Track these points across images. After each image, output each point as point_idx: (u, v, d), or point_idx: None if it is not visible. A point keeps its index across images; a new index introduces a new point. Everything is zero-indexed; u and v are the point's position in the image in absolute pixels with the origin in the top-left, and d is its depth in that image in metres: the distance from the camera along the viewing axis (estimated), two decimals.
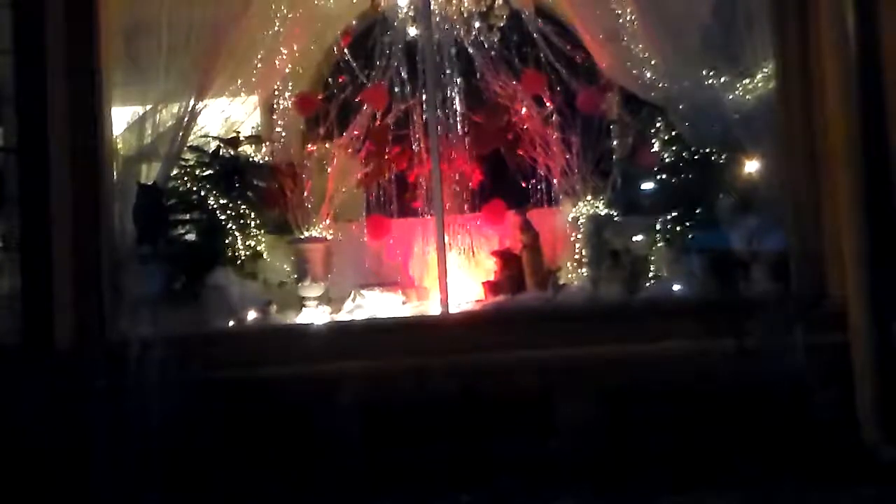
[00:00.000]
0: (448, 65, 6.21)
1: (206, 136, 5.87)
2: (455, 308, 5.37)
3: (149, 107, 5.43)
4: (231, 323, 5.34)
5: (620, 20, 5.52)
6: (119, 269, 5.07)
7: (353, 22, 6.64)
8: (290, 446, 4.61)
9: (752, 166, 5.12)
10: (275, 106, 6.39)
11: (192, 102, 5.47)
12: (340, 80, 6.30)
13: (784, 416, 4.39)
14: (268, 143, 6.23)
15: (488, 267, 6.03)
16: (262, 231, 5.89)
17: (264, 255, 5.91)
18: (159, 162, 5.44)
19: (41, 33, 4.89)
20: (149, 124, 5.43)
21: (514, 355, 4.76)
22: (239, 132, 6.02)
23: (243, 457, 4.58)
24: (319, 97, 6.40)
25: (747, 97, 5.20)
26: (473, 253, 6.16)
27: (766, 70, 5.12)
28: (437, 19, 6.12)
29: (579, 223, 5.83)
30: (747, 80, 5.20)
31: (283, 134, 6.37)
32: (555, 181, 6.04)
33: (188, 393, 4.51)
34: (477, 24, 6.29)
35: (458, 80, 6.27)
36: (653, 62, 5.46)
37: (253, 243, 5.82)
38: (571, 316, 5.07)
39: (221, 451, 4.56)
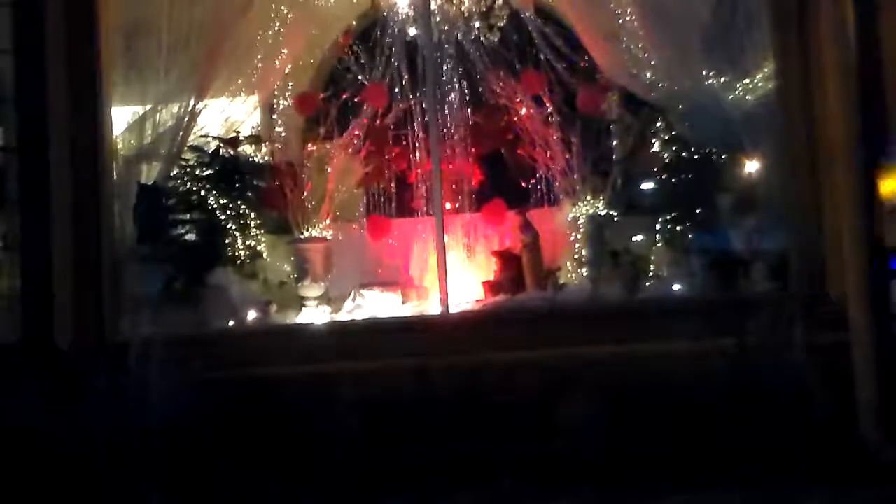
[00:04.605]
0: (448, 65, 6.22)
1: (206, 136, 5.87)
2: (455, 308, 5.37)
3: (149, 107, 5.44)
4: (231, 323, 5.34)
5: (620, 20, 5.52)
6: (119, 269, 5.07)
7: (353, 22, 6.64)
8: (289, 446, 4.61)
9: (752, 166, 5.12)
10: (275, 106, 6.40)
11: (192, 102, 5.47)
12: (343, 95, 6.29)
13: (784, 415, 4.39)
14: (268, 143, 6.23)
15: (488, 267, 6.03)
16: (262, 231, 5.89)
17: (264, 255, 5.91)
18: (159, 162, 5.44)
19: (41, 33, 4.89)
20: (149, 124, 5.43)
21: (514, 355, 4.76)
22: (239, 132, 6.02)
23: (243, 457, 4.58)
24: (320, 97, 6.41)
25: (747, 97, 5.20)
26: (473, 252, 6.17)
27: (766, 70, 5.12)
28: (437, 19, 6.13)
29: (579, 223, 5.82)
30: (747, 80, 5.20)
31: (283, 134, 6.38)
32: (555, 181, 6.04)
33: (188, 393, 4.51)
34: (477, 24, 6.29)
35: (458, 80, 6.27)
36: (653, 62, 5.45)
37: (253, 243, 5.82)
38: (571, 316, 5.07)
39: (222, 451, 4.56)
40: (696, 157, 5.33)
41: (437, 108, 5.82)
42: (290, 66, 6.21)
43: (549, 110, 6.11)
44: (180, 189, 5.62)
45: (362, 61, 6.37)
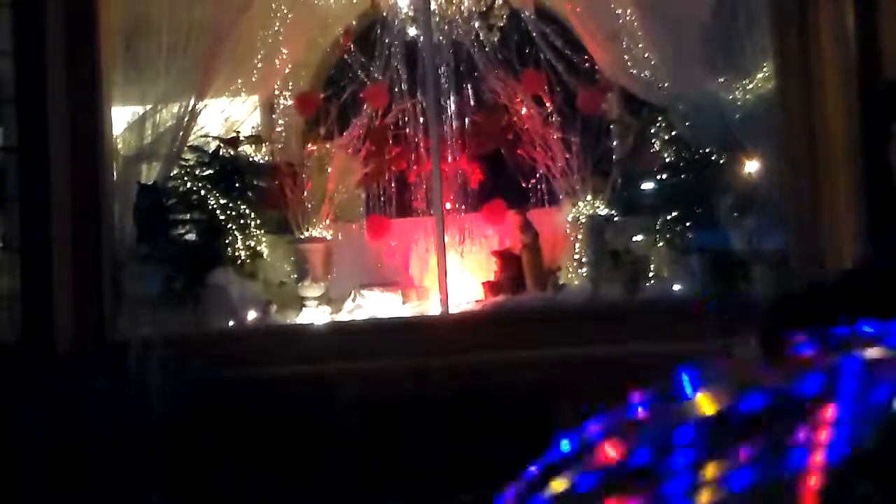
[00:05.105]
0: (448, 64, 6.22)
1: (206, 136, 5.87)
2: (455, 308, 5.37)
3: (149, 107, 5.44)
4: (231, 323, 5.34)
5: (620, 20, 5.52)
6: (119, 269, 5.07)
7: (353, 22, 6.64)
8: (289, 446, 4.61)
9: (752, 166, 5.11)
10: (275, 106, 6.39)
11: (192, 102, 5.47)
12: (343, 95, 6.29)
13: None
14: (268, 143, 6.23)
15: (488, 267, 6.02)
16: (262, 231, 5.89)
17: (264, 255, 5.91)
18: (159, 162, 5.44)
19: (41, 33, 4.89)
20: (149, 124, 5.43)
21: (514, 355, 4.76)
22: (239, 132, 6.01)
23: (243, 457, 4.58)
24: (320, 97, 6.40)
25: (747, 97, 5.20)
26: (472, 252, 6.16)
27: (766, 70, 5.12)
28: (437, 19, 6.12)
29: (579, 223, 5.82)
30: (747, 80, 5.19)
31: (283, 134, 6.37)
32: (555, 181, 6.03)
33: (188, 393, 4.51)
34: (477, 24, 6.28)
35: (458, 80, 6.27)
36: (653, 62, 5.45)
37: (253, 243, 5.82)
38: (571, 316, 5.07)
39: (222, 451, 4.56)
40: (696, 157, 5.33)
41: (437, 108, 5.81)
42: (290, 66, 6.21)
43: (549, 110, 6.11)
44: (180, 189, 5.62)
45: (362, 61, 6.35)
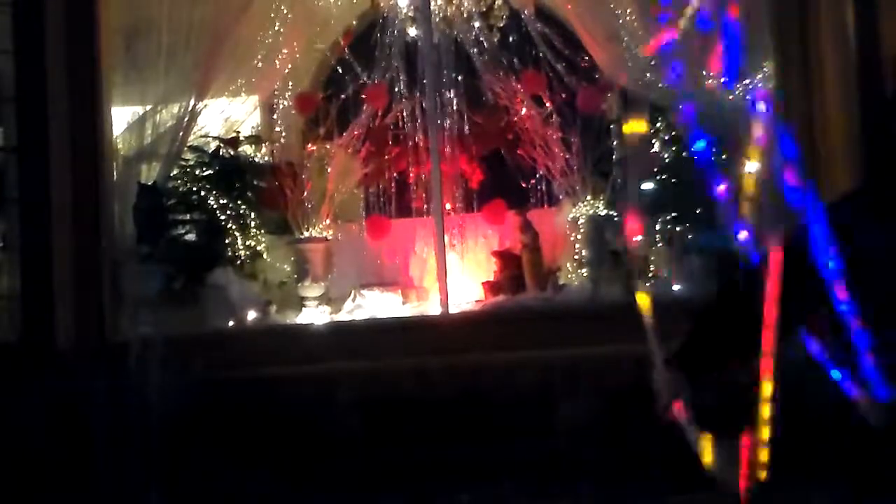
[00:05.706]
0: (448, 65, 6.22)
1: (206, 136, 5.87)
2: (455, 308, 5.37)
3: (149, 107, 5.44)
4: (231, 323, 5.34)
5: (620, 20, 5.51)
6: (119, 269, 5.07)
7: (353, 22, 6.64)
8: (289, 446, 4.61)
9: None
10: (275, 106, 6.39)
11: (192, 102, 5.48)
12: (343, 95, 6.29)
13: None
14: (268, 143, 6.23)
15: (488, 267, 6.02)
16: (262, 231, 5.89)
17: (264, 255, 5.91)
18: (159, 162, 5.45)
19: (41, 33, 4.89)
20: (149, 124, 5.43)
21: (513, 355, 4.76)
22: (239, 132, 6.01)
23: (243, 456, 4.58)
24: (320, 97, 6.40)
25: (747, 97, 5.19)
26: (472, 252, 6.16)
27: (766, 70, 5.12)
28: (437, 19, 6.13)
29: (579, 223, 5.82)
30: (747, 80, 5.19)
31: (283, 134, 6.37)
32: (555, 181, 6.03)
33: (188, 393, 4.51)
34: (477, 24, 6.29)
35: (459, 80, 6.27)
36: (652, 62, 5.45)
37: (253, 243, 5.81)
38: (571, 316, 5.06)
39: (221, 451, 4.55)
40: (696, 157, 5.32)
41: (437, 108, 5.81)
42: (290, 66, 6.21)
43: (549, 110, 6.11)
44: (180, 189, 5.63)
45: (362, 61, 6.35)
